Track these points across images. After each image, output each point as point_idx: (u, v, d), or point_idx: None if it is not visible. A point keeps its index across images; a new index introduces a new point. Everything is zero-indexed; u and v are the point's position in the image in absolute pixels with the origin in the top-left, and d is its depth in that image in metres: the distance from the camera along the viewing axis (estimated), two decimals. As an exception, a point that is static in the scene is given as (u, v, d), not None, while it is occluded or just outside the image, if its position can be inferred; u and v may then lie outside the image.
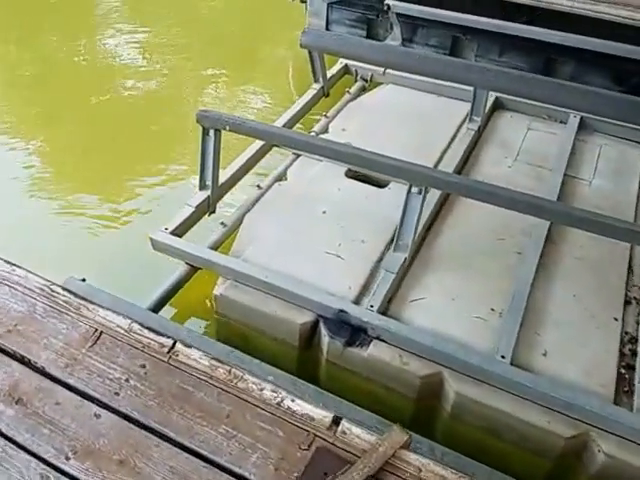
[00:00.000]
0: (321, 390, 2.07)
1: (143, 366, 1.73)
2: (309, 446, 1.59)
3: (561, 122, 3.66)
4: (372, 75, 4.07)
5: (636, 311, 2.63)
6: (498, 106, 3.77)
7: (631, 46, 3.79)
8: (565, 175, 3.22)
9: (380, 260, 2.77)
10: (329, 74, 4.05)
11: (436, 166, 3.33)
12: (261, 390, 1.64)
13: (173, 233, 2.86)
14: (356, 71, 4.14)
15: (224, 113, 2.87)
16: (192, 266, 2.82)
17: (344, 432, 1.60)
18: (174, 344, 1.79)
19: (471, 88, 3.65)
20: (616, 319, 2.55)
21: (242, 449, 1.57)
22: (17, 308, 1.91)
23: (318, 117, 3.98)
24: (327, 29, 4.81)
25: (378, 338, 2.42)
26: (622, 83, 4.02)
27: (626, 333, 2.52)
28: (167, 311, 2.84)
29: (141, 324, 1.85)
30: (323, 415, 1.63)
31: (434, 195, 2.97)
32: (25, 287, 1.96)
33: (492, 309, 2.56)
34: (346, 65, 4.16)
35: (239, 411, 1.61)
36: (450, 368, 2.33)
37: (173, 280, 2.75)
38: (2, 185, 4.02)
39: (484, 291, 2.63)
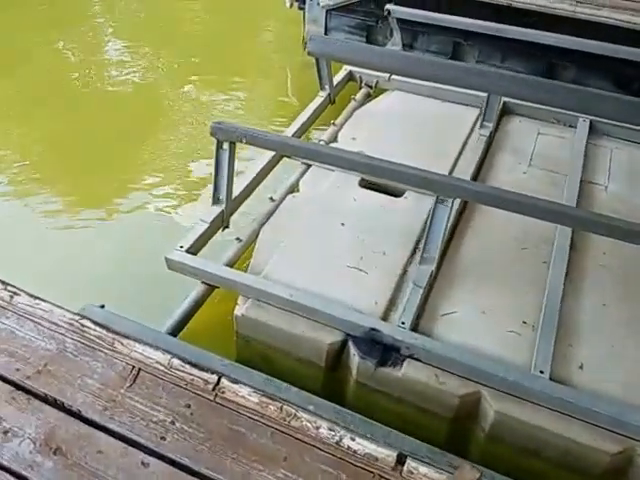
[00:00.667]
0: (374, 422, 1.96)
1: (188, 406, 1.61)
2: (375, 489, 1.49)
3: (570, 126, 3.63)
4: (377, 81, 3.99)
5: (667, 318, 2.60)
6: (506, 111, 3.73)
7: (635, 49, 3.80)
8: (581, 181, 3.19)
9: (404, 273, 2.69)
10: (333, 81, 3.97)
11: (450, 173, 3.27)
12: (317, 428, 1.54)
13: (188, 251, 2.75)
14: (360, 77, 4.06)
15: (239, 125, 2.77)
16: (209, 285, 2.71)
17: (410, 472, 1.51)
18: (219, 380, 1.67)
19: (478, 93, 3.65)
20: (648, 327, 2.51)
21: (305, 495, 1.47)
22: (45, 346, 1.77)
23: (322, 125, 3.93)
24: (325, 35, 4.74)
25: (411, 357, 2.35)
26: (625, 87, 4.01)
27: (660, 342, 2.49)
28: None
29: (182, 358, 1.73)
30: (386, 454, 1.53)
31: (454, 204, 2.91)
32: (51, 322, 1.82)
33: (524, 322, 2.49)
34: (350, 72, 4.08)
35: (296, 453, 1.51)
36: (489, 386, 2.26)
37: (191, 301, 2.64)
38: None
39: (514, 303, 2.57)
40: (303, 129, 3.63)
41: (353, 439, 1.53)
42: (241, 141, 2.74)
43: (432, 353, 2.29)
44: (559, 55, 4.06)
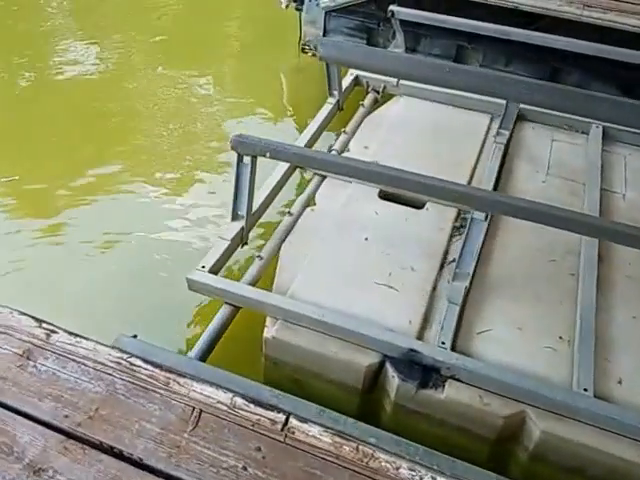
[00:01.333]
0: (438, 453, 1.90)
1: (258, 449, 1.51)
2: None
3: (582, 132, 3.62)
4: (384, 86, 3.92)
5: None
6: (519, 117, 3.69)
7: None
8: (601, 189, 3.18)
9: (434, 289, 2.64)
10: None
11: (469, 183, 3.22)
12: (397, 469, 1.46)
13: (210, 271, 2.64)
14: (367, 83, 3.98)
15: (262, 138, 2.66)
16: (234, 306, 2.61)
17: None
18: (287, 419, 1.58)
19: (489, 99, 3.60)
20: (681, 339, 2.51)
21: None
22: (93, 388, 1.64)
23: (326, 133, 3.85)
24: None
25: (452, 377, 2.29)
26: (630, 92, 4.02)
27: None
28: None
29: (244, 396, 1.63)
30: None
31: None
32: (96, 361, 1.69)
33: (560, 337, 2.46)
34: (357, 76, 3.99)
35: (378, 496, 1.43)
36: (534, 406, 2.22)
37: (217, 324, 2.53)
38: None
39: (548, 318, 2.53)
40: (315, 138, 3.54)
41: (434, 478, 1.46)
42: (264, 155, 2.63)
43: (475, 374, 2.24)
44: (564, 59, 4.04)
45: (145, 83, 5.18)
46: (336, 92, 3.74)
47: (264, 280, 2.82)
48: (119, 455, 1.48)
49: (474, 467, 1.87)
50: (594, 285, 2.62)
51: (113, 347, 1.76)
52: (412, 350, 2.30)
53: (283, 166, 3.19)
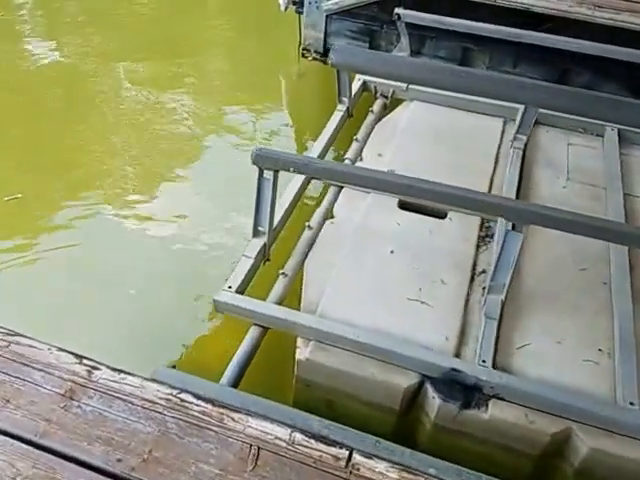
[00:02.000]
0: None
1: (323, 487, 1.43)
2: None
3: (597, 135, 3.59)
4: (393, 91, 3.84)
5: None
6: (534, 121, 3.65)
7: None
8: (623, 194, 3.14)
9: (467, 302, 2.57)
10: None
11: (490, 190, 3.17)
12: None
13: (237, 291, 2.54)
14: (375, 88, 3.90)
15: (284, 152, 2.57)
16: (263, 327, 2.51)
17: None
18: (350, 455, 1.50)
19: (502, 102, 3.55)
20: None
21: None
22: (144, 429, 1.54)
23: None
24: (325, 41, 4.54)
25: (495, 396, 2.23)
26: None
27: None
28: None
29: (303, 431, 1.54)
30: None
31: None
32: (144, 399, 1.59)
33: (599, 349, 2.41)
34: (364, 82, 3.91)
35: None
36: (580, 422, 2.17)
37: (246, 347, 2.43)
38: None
39: (585, 330, 2.48)
40: (327, 147, 3.45)
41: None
42: (287, 170, 2.55)
43: (520, 392, 2.18)
44: (573, 60, 4.00)
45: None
46: (345, 99, 3.66)
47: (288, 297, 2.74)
48: (180, 501, 1.38)
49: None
50: (629, 294, 2.57)
51: (159, 382, 1.66)
52: (453, 370, 2.23)
53: (299, 178, 3.10)
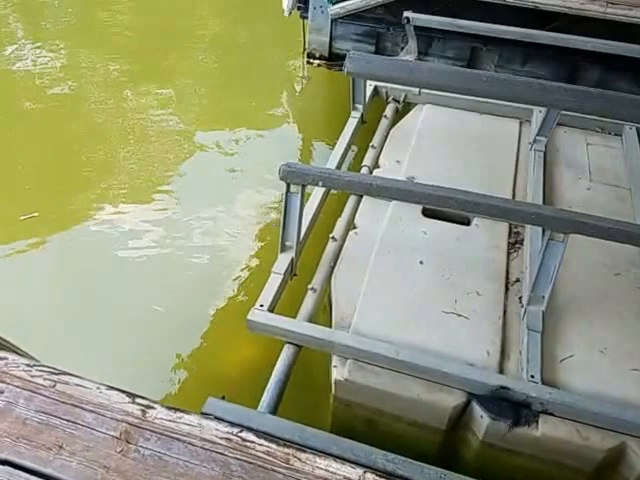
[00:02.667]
0: None
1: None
2: None
3: (615, 134, 3.54)
4: (405, 95, 3.76)
5: None
6: (550, 122, 3.60)
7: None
8: (647, 194, 3.10)
9: (505, 314, 2.51)
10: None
11: (514, 194, 3.11)
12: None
13: (269, 309, 2.45)
14: (387, 93, 3.82)
15: (312, 166, 2.49)
16: (297, 345, 2.42)
17: None
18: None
19: (516, 104, 3.49)
20: None
21: None
22: (207, 472, 1.43)
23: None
24: (330, 45, 4.46)
25: (545, 412, 2.16)
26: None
27: None
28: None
29: (372, 469, 1.45)
30: None
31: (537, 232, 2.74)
32: (204, 439, 1.48)
33: (644, 358, 2.37)
34: (375, 87, 3.82)
35: None
36: (634, 436, 2.11)
37: (282, 368, 2.33)
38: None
39: (627, 338, 2.42)
40: (344, 156, 3.36)
41: None
42: (317, 184, 2.46)
43: (571, 407, 2.12)
44: (584, 57, 3.96)
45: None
46: (360, 105, 3.57)
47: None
48: None
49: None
50: (667, 298, 2.53)
51: (216, 419, 1.55)
52: (502, 387, 2.16)
53: (321, 189, 3.01)
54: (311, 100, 4.95)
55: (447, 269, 2.67)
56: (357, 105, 3.58)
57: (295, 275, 2.73)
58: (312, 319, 2.54)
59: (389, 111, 3.77)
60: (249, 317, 2.38)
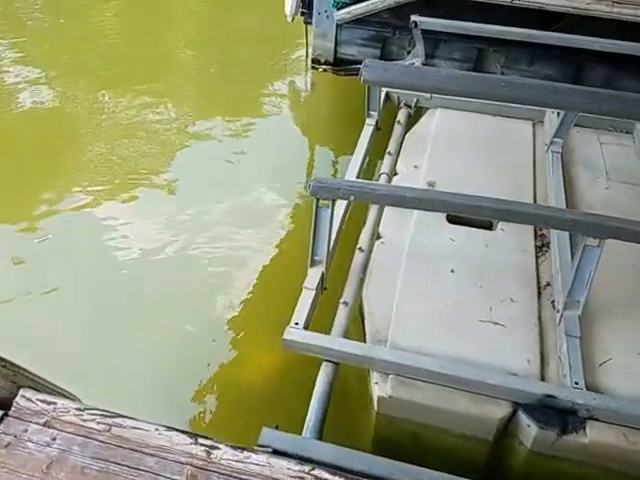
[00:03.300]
0: None
1: None
2: None
3: (627, 132, 3.57)
4: (417, 100, 3.76)
5: None
6: (562, 122, 3.61)
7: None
8: (667, 192, 3.13)
9: (540, 319, 2.51)
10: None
11: (535, 197, 3.12)
12: None
13: (304, 326, 2.43)
14: (398, 98, 3.81)
15: (341, 180, 2.47)
16: (335, 363, 2.40)
17: None
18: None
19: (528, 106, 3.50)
20: None
21: None
22: None
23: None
24: (335, 50, 4.44)
25: (590, 418, 2.17)
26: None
27: None
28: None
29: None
30: None
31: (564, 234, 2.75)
32: (274, 479, 1.44)
33: (683, 357, 2.38)
34: (387, 93, 3.81)
35: None
36: (682, 439, 2.13)
37: (322, 387, 2.30)
38: None
39: (663, 337, 2.45)
40: (363, 164, 3.34)
41: None
42: (348, 199, 2.45)
43: (617, 412, 2.13)
44: (590, 57, 3.99)
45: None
46: (374, 112, 3.56)
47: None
48: None
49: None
50: (702, 298, 2.55)
51: (284, 456, 1.52)
52: (548, 396, 2.16)
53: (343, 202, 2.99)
54: (315, 106, 4.93)
55: (479, 276, 2.67)
56: (372, 112, 3.56)
57: (326, 289, 2.71)
58: (346, 334, 2.53)
59: (401, 116, 3.76)
60: (285, 336, 2.36)
